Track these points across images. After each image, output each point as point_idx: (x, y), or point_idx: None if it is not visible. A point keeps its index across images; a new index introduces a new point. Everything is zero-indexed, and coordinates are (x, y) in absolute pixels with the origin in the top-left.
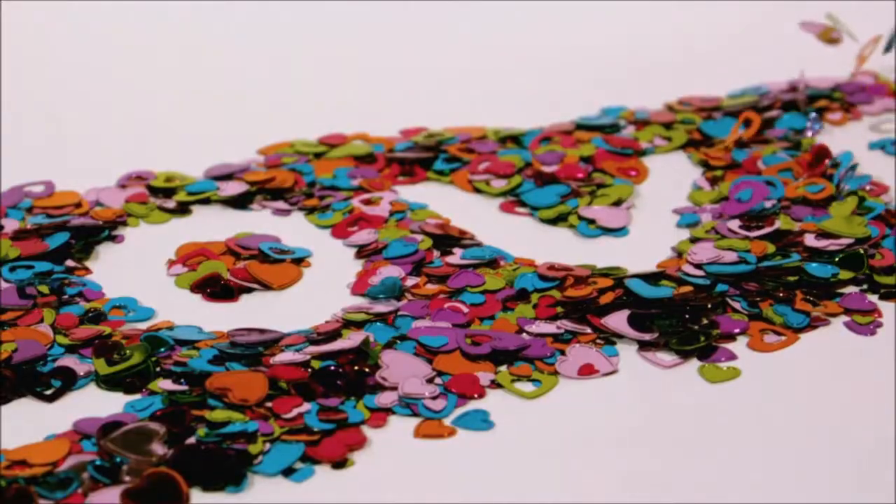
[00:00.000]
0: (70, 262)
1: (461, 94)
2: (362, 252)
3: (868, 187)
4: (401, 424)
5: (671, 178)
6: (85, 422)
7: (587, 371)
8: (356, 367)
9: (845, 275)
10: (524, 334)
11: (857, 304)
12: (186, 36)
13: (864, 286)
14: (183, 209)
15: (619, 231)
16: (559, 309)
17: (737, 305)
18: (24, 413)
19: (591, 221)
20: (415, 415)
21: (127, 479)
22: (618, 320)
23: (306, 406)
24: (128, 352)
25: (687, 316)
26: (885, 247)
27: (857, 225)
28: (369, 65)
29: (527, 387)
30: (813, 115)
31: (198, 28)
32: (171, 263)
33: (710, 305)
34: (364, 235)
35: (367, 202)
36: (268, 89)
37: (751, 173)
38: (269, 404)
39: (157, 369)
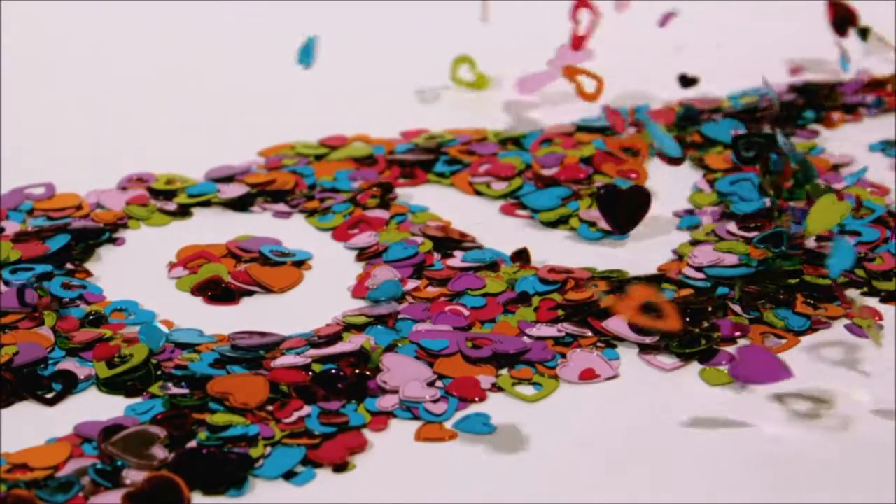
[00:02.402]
0: (70, 265)
1: (461, 96)
2: (363, 255)
3: (869, 189)
4: (402, 428)
5: (671, 180)
6: (86, 425)
7: (588, 375)
8: (357, 371)
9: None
10: (525, 337)
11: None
12: (187, 37)
13: (864, 289)
14: (183, 211)
15: (619, 234)
16: (560, 312)
17: (737, 308)
18: (24, 416)
19: (592, 224)
20: (416, 418)
21: (128, 482)
22: (618, 323)
23: (306, 409)
24: (128, 353)
25: (687, 319)
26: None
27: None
28: (370, 66)
29: (528, 390)
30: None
31: (198, 29)
32: (171, 266)
33: (710, 308)
34: (365, 238)
35: (364, 200)
36: (268, 91)
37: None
38: (269, 407)
39: (158, 372)
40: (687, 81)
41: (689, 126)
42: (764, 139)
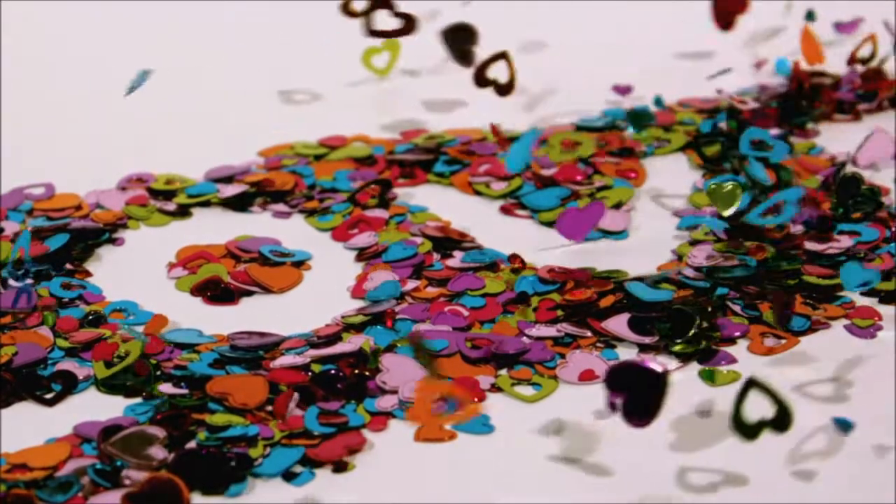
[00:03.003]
0: (70, 265)
1: (461, 96)
2: (363, 255)
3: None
4: (401, 428)
5: (671, 180)
6: (85, 425)
7: (588, 376)
8: (356, 371)
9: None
10: (524, 338)
11: None
12: (186, 37)
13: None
14: (183, 212)
15: (619, 234)
16: (559, 312)
17: (737, 308)
18: (24, 416)
19: None
20: None
21: (127, 482)
22: (618, 324)
23: (296, 396)
24: (124, 352)
25: (688, 319)
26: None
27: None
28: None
29: (527, 390)
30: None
31: (198, 29)
32: (171, 266)
33: (710, 309)
34: (364, 238)
35: (364, 199)
36: (268, 91)
37: None
38: (269, 408)
39: (158, 373)
40: (622, 90)
41: (643, 126)
42: (726, 138)
